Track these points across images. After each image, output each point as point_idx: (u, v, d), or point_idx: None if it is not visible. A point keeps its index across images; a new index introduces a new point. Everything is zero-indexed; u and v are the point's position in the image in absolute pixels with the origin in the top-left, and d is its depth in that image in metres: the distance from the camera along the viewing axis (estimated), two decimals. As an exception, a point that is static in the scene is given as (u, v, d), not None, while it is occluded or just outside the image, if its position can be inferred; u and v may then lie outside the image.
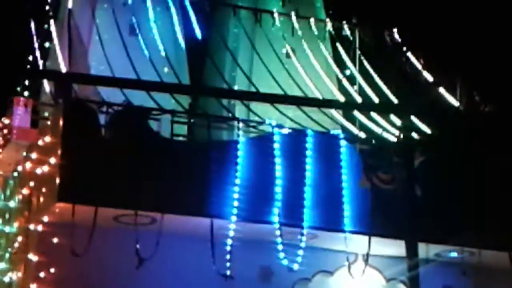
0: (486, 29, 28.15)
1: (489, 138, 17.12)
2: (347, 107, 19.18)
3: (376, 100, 20.85)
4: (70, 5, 20.14)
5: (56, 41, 19.69)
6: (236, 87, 21.38)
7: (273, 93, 17.85)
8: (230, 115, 19.58)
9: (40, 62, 19.91)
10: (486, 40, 27.49)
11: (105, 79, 16.39)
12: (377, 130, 19.44)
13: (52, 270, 15.93)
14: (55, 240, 15.88)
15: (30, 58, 20.51)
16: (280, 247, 16.57)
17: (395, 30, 22.89)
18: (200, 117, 18.97)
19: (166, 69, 20.08)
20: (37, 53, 19.98)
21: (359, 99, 20.95)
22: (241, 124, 17.69)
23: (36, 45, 19.97)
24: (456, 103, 19.91)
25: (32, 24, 19.75)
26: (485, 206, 17.32)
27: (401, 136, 15.62)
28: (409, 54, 21.99)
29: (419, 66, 21.34)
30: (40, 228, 16.40)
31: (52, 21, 20.05)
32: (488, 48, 27.23)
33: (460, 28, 27.51)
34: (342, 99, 20.89)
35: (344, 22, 23.17)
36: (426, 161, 17.05)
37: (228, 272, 16.18)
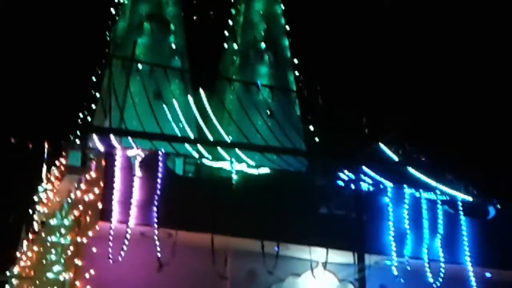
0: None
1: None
2: (308, 155, 19.38)
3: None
4: (111, 76, 20.14)
5: (100, 104, 19.69)
6: (230, 137, 21.31)
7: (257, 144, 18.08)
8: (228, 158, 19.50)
9: (89, 118, 19.94)
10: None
11: (135, 133, 16.50)
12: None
13: (93, 272, 15.79)
14: (96, 249, 15.76)
15: (82, 114, 20.56)
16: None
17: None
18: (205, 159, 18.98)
19: (181, 124, 20.08)
20: (86, 111, 20.00)
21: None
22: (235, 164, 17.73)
23: (85, 105, 20.00)
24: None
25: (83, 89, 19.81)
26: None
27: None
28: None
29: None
30: (85, 240, 16.29)
31: (99, 89, 20.03)
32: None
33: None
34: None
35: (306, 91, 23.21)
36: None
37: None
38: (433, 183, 18.44)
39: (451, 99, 28.53)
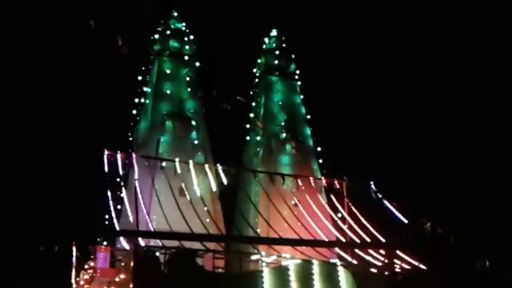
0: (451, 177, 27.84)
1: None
2: (340, 245, 18.95)
3: (362, 234, 20.32)
4: (136, 176, 20.05)
5: (126, 204, 19.49)
6: (258, 230, 20.93)
7: (287, 238, 17.70)
8: (255, 251, 19.07)
9: (115, 219, 19.67)
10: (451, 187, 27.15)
11: (161, 233, 16.28)
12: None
13: None
14: None
15: (108, 216, 20.31)
16: None
17: (372, 183, 22.60)
18: (233, 253, 18.63)
19: (208, 220, 19.77)
20: (113, 213, 19.75)
21: (350, 234, 20.45)
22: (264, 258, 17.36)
23: (112, 207, 19.76)
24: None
25: (109, 193, 19.61)
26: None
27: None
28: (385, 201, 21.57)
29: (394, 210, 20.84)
30: None
31: (123, 189, 19.86)
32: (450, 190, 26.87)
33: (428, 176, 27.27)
34: (337, 234, 20.44)
35: (335, 179, 22.92)
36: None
37: None
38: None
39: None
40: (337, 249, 19.60)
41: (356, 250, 19.41)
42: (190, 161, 21.35)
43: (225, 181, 21.43)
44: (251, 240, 19.07)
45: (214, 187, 21.26)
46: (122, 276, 16.46)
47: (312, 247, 17.28)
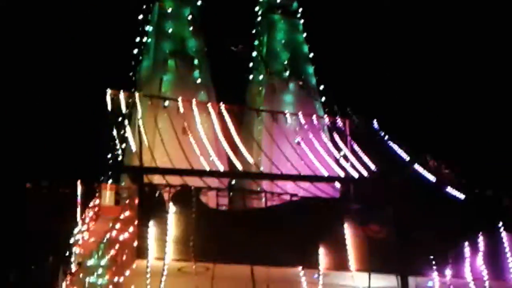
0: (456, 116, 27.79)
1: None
2: (342, 180, 18.97)
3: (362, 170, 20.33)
4: (139, 115, 20.03)
5: (130, 142, 19.49)
6: (261, 168, 20.99)
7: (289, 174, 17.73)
8: (258, 188, 19.15)
9: (120, 157, 19.76)
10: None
11: (166, 169, 16.30)
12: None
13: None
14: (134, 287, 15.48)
15: (112, 155, 20.40)
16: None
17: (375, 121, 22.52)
18: (237, 191, 18.69)
19: (211, 158, 19.80)
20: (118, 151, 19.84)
21: (352, 172, 20.47)
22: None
23: (117, 146, 19.82)
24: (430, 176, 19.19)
25: (114, 131, 19.63)
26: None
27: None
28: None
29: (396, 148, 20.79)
30: (122, 279, 16.01)
31: (128, 129, 19.84)
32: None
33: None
34: (340, 171, 20.47)
35: (337, 116, 22.84)
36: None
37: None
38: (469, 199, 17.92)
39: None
40: (338, 185, 19.69)
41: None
42: (193, 100, 21.29)
43: (228, 120, 21.41)
44: (252, 176, 19.12)
45: (217, 126, 21.24)
46: (127, 213, 16.55)
47: (313, 182, 17.27)
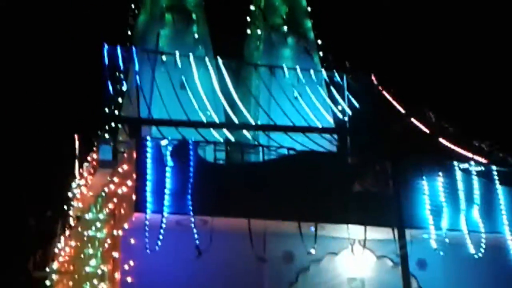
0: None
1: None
2: (339, 132, 18.94)
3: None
4: (137, 68, 19.90)
5: (127, 97, 19.42)
6: (259, 122, 20.97)
7: (286, 125, 17.67)
8: (256, 142, 19.16)
9: (116, 112, 19.70)
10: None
11: (164, 121, 16.27)
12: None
13: (132, 263, 15.60)
14: (133, 241, 15.58)
15: (109, 108, 20.31)
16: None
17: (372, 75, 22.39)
18: (234, 145, 18.69)
19: (208, 112, 19.74)
20: (117, 101, 19.79)
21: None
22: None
23: (114, 98, 19.75)
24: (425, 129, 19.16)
25: (110, 85, 19.52)
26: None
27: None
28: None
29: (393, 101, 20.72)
30: (121, 233, 16.13)
31: (124, 83, 19.74)
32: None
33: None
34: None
35: (335, 71, 22.70)
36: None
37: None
38: (467, 153, 17.96)
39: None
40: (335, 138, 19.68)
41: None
42: (191, 54, 21.15)
43: (226, 74, 21.29)
44: (249, 127, 19.12)
45: (214, 81, 21.15)
46: (125, 167, 16.58)
47: (309, 132, 17.26)
